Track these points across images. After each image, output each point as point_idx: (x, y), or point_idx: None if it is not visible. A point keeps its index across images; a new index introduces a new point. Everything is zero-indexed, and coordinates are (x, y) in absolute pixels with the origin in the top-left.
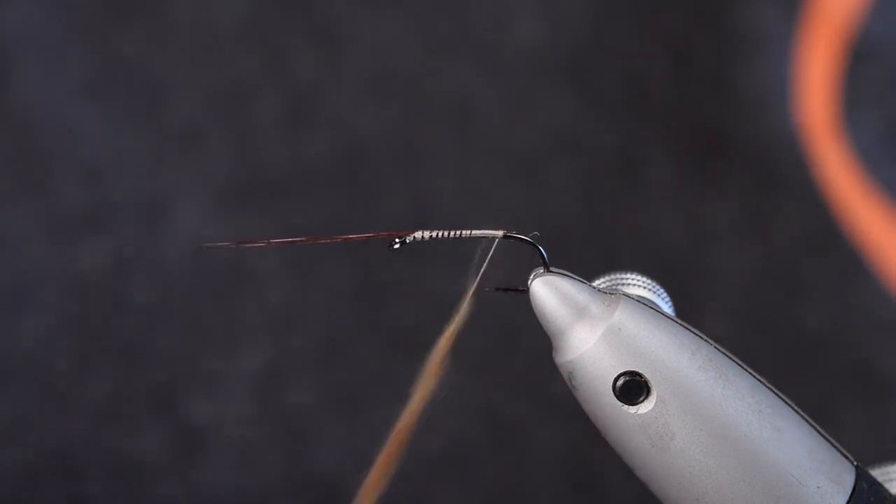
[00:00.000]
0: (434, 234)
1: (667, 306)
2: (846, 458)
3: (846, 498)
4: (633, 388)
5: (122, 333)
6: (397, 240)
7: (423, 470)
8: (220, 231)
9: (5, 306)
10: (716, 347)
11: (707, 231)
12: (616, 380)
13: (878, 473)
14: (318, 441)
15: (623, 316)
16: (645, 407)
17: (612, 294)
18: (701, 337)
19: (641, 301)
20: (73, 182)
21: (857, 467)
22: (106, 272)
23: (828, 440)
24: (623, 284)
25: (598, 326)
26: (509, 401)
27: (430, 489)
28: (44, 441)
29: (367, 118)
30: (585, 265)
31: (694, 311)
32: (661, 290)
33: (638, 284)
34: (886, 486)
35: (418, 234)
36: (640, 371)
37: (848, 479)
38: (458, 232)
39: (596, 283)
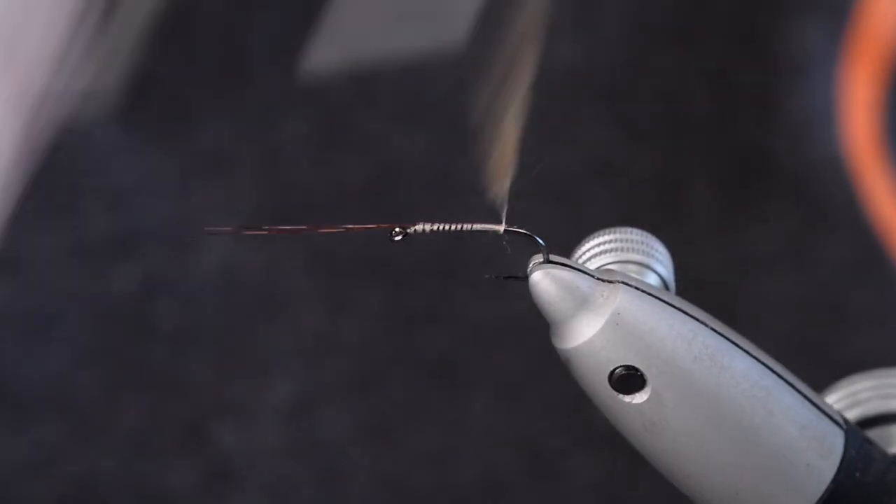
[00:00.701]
0: (436, 226)
1: (665, 269)
2: (837, 424)
3: (834, 470)
4: (628, 379)
5: (151, 362)
6: (397, 229)
7: (458, 499)
8: (250, 256)
9: (31, 333)
10: (712, 328)
11: (749, 258)
12: (612, 371)
13: (869, 386)
14: (351, 472)
15: (622, 307)
16: (640, 397)
17: (611, 282)
18: (698, 319)
19: (640, 287)
20: (100, 206)
21: (846, 432)
22: (134, 298)
23: (820, 409)
24: (620, 249)
25: (597, 319)
26: (545, 429)
27: None
28: (71, 473)
29: (399, 140)
30: None
31: None
32: (659, 250)
33: (634, 248)
34: (880, 402)
35: (419, 227)
36: (637, 364)
37: (838, 448)
38: (460, 225)
39: (594, 241)
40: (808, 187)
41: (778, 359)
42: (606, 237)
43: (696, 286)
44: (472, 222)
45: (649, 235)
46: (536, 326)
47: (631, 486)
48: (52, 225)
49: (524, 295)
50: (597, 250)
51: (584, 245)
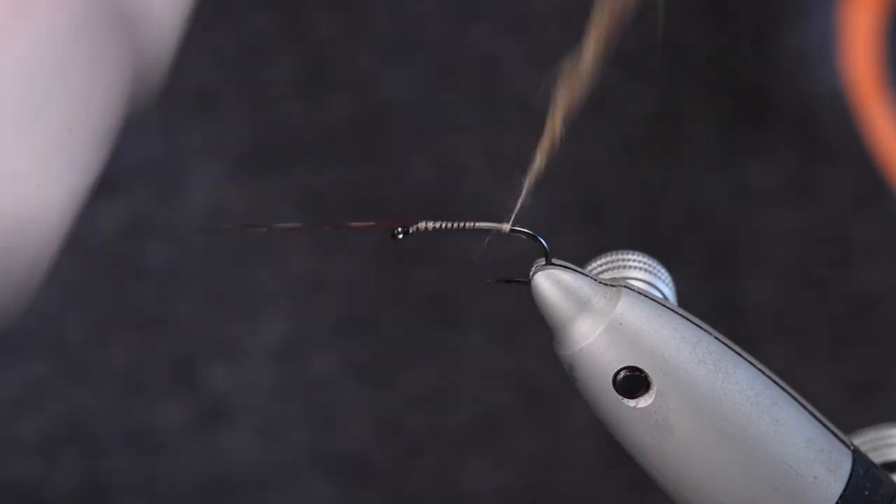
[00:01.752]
0: (437, 224)
1: (667, 288)
2: (844, 443)
3: (843, 486)
4: (633, 382)
5: (139, 301)
6: (399, 230)
7: (455, 440)
8: (238, 196)
9: None
10: (716, 338)
11: (751, 194)
12: (616, 374)
13: (874, 437)
14: (343, 411)
15: (624, 310)
16: (645, 401)
17: (613, 286)
18: (701, 327)
19: (642, 292)
20: None
21: (853, 452)
22: (120, 238)
23: (826, 427)
24: (623, 267)
25: (600, 321)
26: (543, 369)
27: (463, 459)
28: (60, 411)
29: (389, 79)
30: (623, 232)
31: (739, 276)
32: (662, 271)
33: (637, 266)
34: (884, 451)
35: (421, 225)
36: (641, 366)
37: (845, 465)
38: (462, 223)
39: (597, 263)
40: (809, 121)
41: (782, 294)
42: (609, 258)
43: (696, 223)
44: (476, 220)
45: (653, 258)
46: (530, 266)
47: None
48: None
49: (515, 237)
50: (599, 270)
51: (586, 266)
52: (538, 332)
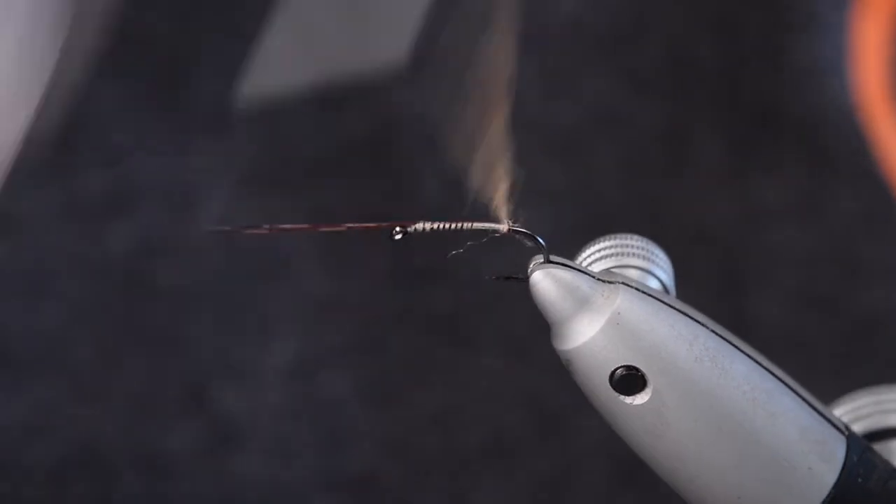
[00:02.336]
0: (436, 225)
1: (665, 273)
2: (838, 429)
3: (836, 474)
4: (630, 380)
5: (149, 322)
6: (398, 229)
7: (465, 460)
8: (250, 214)
9: (26, 293)
10: (713, 331)
11: (758, 210)
12: (613, 372)
13: (871, 401)
14: (353, 432)
15: (622, 308)
16: (641, 398)
17: (611, 283)
18: (697, 321)
19: (640, 287)
20: (95, 164)
21: (847, 437)
22: (131, 258)
23: (821, 414)
24: (621, 254)
25: (597, 319)
26: (554, 389)
27: (473, 480)
28: (70, 434)
29: (401, 95)
30: None
31: (747, 293)
32: (659, 255)
33: (635, 253)
34: (881, 417)
35: (420, 225)
36: (637, 364)
37: (839, 454)
38: (461, 224)
39: (595, 248)
40: (818, 138)
41: (788, 311)
42: (607, 243)
43: (704, 240)
44: (473, 221)
45: (650, 242)
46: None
47: None
48: (47, 183)
49: (527, 251)
50: (598, 255)
51: (585, 250)
52: (549, 351)
